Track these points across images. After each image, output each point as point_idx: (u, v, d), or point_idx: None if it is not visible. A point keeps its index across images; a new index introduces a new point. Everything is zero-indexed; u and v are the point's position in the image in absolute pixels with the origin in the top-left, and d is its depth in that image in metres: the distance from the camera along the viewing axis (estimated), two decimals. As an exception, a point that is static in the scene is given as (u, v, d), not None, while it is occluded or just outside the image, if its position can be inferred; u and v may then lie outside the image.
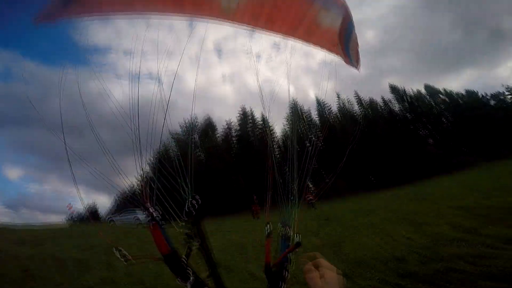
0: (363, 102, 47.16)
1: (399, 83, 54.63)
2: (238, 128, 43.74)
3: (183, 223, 1.48)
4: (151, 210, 1.44)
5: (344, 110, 46.41)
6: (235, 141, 42.32)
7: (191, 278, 1.25)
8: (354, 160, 36.81)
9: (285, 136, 43.32)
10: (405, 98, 46.07)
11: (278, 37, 2.59)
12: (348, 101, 47.08)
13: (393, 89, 47.22)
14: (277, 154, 41.79)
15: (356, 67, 2.91)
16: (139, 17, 2.74)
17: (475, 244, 5.62)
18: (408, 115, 44.38)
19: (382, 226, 8.97)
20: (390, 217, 10.34)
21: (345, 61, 2.86)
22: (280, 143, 43.51)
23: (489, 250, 5.17)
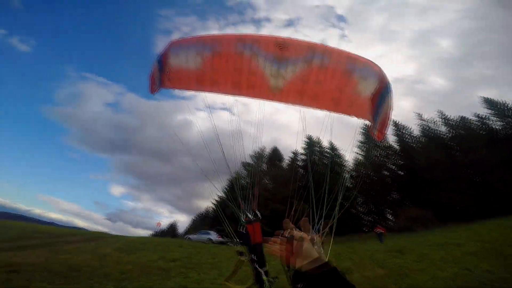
0: (451, 121, 40.13)
1: (494, 95, 43.71)
2: (304, 157, 43.61)
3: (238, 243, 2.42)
4: (257, 213, 2.69)
5: (428, 132, 40.48)
6: (301, 170, 42.02)
7: (266, 268, 2.05)
8: (445, 188, 31.40)
9: (358, 163, 40.67)
10: (506, 112, 37.02)
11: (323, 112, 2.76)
12: (433, 122, 40.85)
13: (489, 102, 38.68)
14: (347, 183, 39.31)
15: (376, 136, 2.80)
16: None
17: None
18: (515, 132, 35.31)
19: (464, 259, 8.37)
20: (477, 250, 9.18)
21: (370, 129, 2.78)
22: (352, 171, 41.19)
23: None
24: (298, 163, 43.33)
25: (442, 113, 40.65)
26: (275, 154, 45.15)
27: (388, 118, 2.90)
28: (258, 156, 42.45)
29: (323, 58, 2.85)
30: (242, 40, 3.10)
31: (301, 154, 43.60)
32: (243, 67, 2.98)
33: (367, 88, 2.80)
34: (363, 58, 2.90)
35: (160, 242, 19.12)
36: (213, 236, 25.17)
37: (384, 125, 2.95)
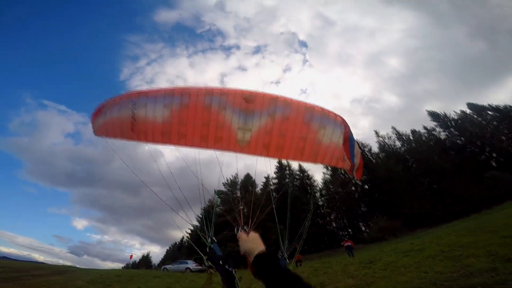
0: (404, 136, 44.60)
1: (440, 108, 50.41)
2: (276, 181, 44.44)
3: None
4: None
5: (386, 148, 44.26)
6: (273, 194, 42.67)
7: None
8: (409, 198, 33.92)
9: (326, 181, 42.99)
10: (449, 123, 42.36)
11: (288, 161, 3.02)
12: (389, 138, 45.08)
13: (433, 116, 44.04)
14: (319, 201, 40.79)
15: (355, 176, 3.16)
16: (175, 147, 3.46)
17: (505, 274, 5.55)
18: (458, 140, 40.29)
19: (424, 263, 9.08)
20: (435, 254, 9.99)
21: (349, 171, 3.12)
22: (322, 189, 43.15)
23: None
24: (271, 187, 44.09)
25: (395, 129, 45.17)
26: (248, 180, 45.30)
27: (361, 158, 3.28)
28: (232, 183, 42.48)
29: (284, 110, 3.12)
30: (210, 93, 3.27)
31: (273, 178, 44.74)
32: (211, 120, 3.12)
33: (329, 135, 3.10)
34: (318, 107, 3.23)
35: (135, 274, 18.26)
36: (191, 265, 24.74)
37: (361, 164, 3.30)
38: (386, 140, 45.00)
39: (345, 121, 3.05)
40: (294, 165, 46.52)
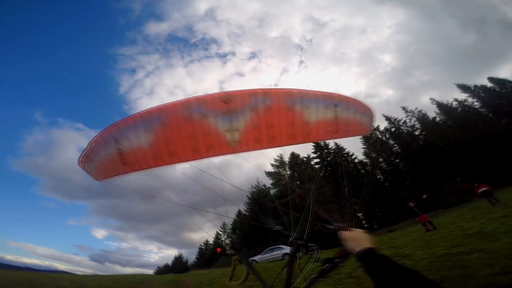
0: (443, 105, 44.25)
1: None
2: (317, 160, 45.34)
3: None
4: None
5: (424, 119, 44.49)
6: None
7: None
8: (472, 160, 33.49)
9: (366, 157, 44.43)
10: (481, 93, 41.71)
11: (283, 148, 3.02)
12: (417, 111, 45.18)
13: (463, 88, 43.61)
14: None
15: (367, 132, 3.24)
16: (169, 167, 3.40)
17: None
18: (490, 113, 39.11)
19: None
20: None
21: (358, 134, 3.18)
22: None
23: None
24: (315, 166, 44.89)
25: (434, 100, 45.85)
26: (293, 159, 45.33)
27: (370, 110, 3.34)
28: (280, 163, 42.68)
29: (265, 101, 3.11)
30: (186, 104, 3.21)
31: (314, 158, 45.51)
32: (196, 130, 3.07)
33: (315, 114, 3.12)
34: (296, 89, 3.24)
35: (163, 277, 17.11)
36: (287, 249, 21.51)
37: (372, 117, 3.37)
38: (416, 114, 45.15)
39: (331, 93, 3.07)
40: (331, 143, 46.65)
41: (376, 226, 37.93)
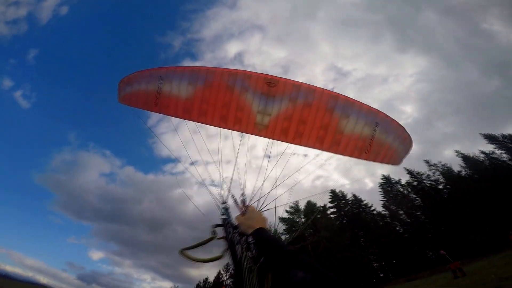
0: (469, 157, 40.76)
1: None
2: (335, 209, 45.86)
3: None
4: None
5: (448, 171, 41.40)
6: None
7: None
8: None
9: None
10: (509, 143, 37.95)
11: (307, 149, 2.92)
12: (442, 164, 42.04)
13: (490, 138, 39.71)
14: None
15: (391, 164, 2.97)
16: (197, 125, 3.53)
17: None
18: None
19: None
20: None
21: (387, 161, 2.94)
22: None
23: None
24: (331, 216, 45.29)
25: (460, 152, 42.25)
26: (309, 207, 45.64)
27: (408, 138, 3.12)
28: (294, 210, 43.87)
29: (307, 97, 3.01)
30: (233, 74, 3.25)
31: (330, 207, 45.67)
32: (232, 101, 3.11)
33: (350, 126, 2.94)
34: (344, 95, 3.07)
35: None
36: None
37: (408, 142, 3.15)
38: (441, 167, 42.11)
39: (377, 110, 2.86)
40: (348, 194, 46.65)
41: (391, 276, 36.19)
